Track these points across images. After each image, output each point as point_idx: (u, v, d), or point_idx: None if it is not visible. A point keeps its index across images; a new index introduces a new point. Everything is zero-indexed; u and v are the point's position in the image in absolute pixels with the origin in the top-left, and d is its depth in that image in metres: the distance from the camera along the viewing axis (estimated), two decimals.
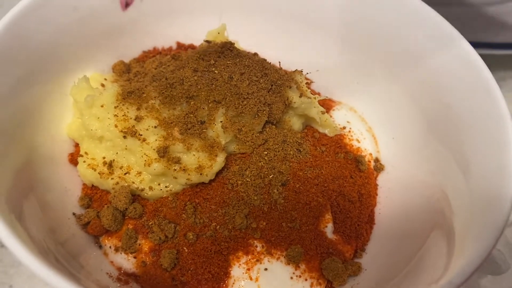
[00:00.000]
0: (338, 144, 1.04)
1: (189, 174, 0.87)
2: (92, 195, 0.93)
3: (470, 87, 0.88)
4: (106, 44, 1.06)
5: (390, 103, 1.08)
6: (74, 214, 0.90)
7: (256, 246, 0.87)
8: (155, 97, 0.88)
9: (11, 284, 0.99)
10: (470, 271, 0.68)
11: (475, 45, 0.91)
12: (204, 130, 0.88)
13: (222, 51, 0.96)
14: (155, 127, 0.86)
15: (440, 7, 0.95)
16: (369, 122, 1.13)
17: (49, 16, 0.92)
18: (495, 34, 1.29)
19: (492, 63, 0.92)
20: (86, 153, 0.92)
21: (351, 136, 1.08)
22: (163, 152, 0.86)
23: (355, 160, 1.02)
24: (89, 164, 0.91)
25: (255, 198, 0.89)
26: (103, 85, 1.01)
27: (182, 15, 1.14)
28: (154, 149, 0.87)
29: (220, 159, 0.88)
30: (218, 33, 1.05)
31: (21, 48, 0.87)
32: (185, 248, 0.86)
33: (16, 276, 1.00)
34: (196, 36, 1.14)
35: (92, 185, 0.93)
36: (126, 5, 1.05)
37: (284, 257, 0.87)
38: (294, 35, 1.16)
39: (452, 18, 0.92)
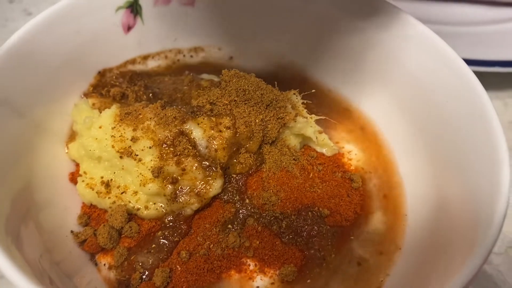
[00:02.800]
0: (335, 164, 1.04)
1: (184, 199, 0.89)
2: (91, 214, 0.95)
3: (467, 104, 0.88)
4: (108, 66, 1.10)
5: (387, 120, 1.09)
6: (72, 231, 0.92)
7: (249, 265, 0.87)
8: (150, 118, 0.90)
9: None
10: None
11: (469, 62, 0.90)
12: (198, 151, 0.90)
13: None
14: (150, 147, 0.88)
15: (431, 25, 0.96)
16: None
17: (51, 40, 0.95)
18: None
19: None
20: (85, 172, 0.94)
21: (350, 155, 1.08)
22: (158, 172, 0.87)
23: (352, 179, 1.02)
24: (87, 184, 0.93)
25: (249, 218, 0.89)
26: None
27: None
28: (149, 169, 0.88)
29: (218, 185, 0.90)
30: None
31: (24, 71, 0.91)
32: (178, 266, 0.87)
33: None
34: None
35: (91, 204, 0.95)
36: (128, 28, 1.09)
37: (277, 276, 0.87)
38: None
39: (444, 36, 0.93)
